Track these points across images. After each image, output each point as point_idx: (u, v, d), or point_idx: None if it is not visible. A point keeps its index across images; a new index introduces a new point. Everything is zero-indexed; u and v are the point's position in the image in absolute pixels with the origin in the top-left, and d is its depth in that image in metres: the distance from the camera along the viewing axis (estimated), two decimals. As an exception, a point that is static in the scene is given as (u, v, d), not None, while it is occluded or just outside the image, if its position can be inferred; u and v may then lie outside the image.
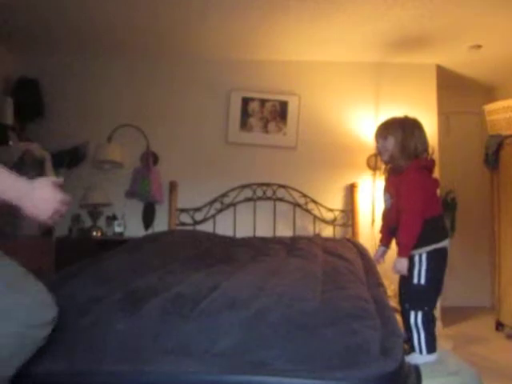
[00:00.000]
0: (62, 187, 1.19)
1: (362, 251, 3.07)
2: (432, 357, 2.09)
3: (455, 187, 4.56)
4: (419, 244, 2.09)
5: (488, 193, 4.24)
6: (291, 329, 1.31)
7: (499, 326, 3.79)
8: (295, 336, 1.29)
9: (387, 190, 2.29)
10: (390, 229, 2.28)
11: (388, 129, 2.22)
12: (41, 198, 1.11)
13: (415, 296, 2.13)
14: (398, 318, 2.08)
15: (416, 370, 1.30)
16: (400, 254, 2.08)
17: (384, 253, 2.44)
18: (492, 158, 3.86)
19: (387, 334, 1.34)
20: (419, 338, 2.08)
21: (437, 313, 3.92)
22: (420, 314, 2.08)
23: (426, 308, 2.10)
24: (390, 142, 2.18)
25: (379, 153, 2.30)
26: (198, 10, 3.12)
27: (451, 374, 2.09)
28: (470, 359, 2.62)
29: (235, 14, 3.15)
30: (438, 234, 2.17)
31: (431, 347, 2.09)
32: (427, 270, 2.10)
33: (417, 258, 2.11)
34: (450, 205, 4.56)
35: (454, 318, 4.12)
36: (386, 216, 2.34)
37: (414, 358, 2.04)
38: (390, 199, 2.24)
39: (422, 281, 2.10)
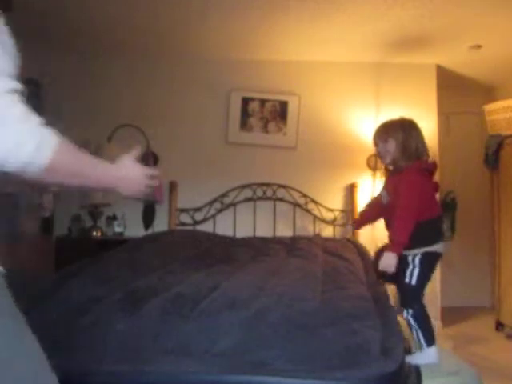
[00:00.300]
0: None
1: (361, 251, 3.07)
2: (432, 350, 2.12)
3: (455, 187, 4.56)
4: (414, 245, 2.10)
5: (488, 193, 4.24)
6: (291, 329, 1.31)
7: (499, 325, 3.79)
8: (295, 336, 1.29)
9: (385, 187, 2.31)
10: (385, 222, 2.35)
11: (388, 131, 2.23)
12: (131, 177, 1.15)
13: (406, 294, 2.17)
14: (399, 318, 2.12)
15: (416, 370, 1.30)
16: (392, 249, 2.08)
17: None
18: (492, 157, 3.86)
19: (387, 334, 1.34)
20: (417, 333, 2.12)
21: (437, 313, 3.93)
22: (411, 312, 2.12)
23: (415, 306, 2.13)
24: (391, 145, 2.20)
25: (380, 156, 2.30)
26: (198, 10, 3.12)
27: (451, 373, 2.10)
28: (470, 359, 2.62)
29: (235, 14, 3.15)
30: (434, 236, 2.20)
31: (429, 340, 2.12)
32: (419, 271, 2.13)
33: (410, 259, 2.14)
34: (449, 205, 4.56)
35: (454, 317, 4.12)
36: (382, 212, 2.38)
37: (415, 359, 2.05)
38: (388, 197, 2.25)
39: (413, 281, 2.13)
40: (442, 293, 3.98)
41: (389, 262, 2.07)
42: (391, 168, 2.32)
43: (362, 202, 3.89)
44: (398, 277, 2.17)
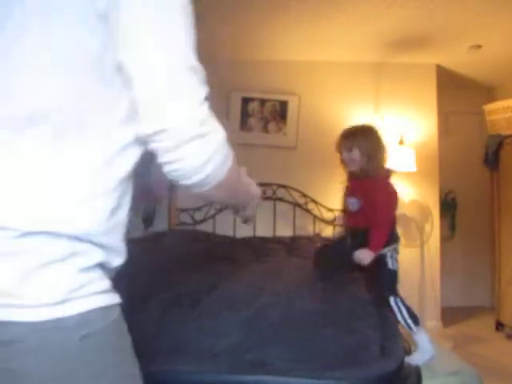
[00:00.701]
0: None
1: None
2: (422, 332, 2.18)
3: (455, 187, 4.57)
4: (389, 243, 2.25)
5: (488, 193, 4.24)
6: (291, 328, 1.31)
7: (499, 325, 3.79)
8: (295, 336, 1.29)
9: (353, 193, 2.34)
10: (355, 230, 2.37)
11: (351, 140, 2.27)
12: (257, 196, 1.04)
13: (391, 281, 2.26)
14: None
15: (416, 370, 1.30)
16: (373, 249, 2.19)
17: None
18: (492, 158, 3.87)
19: (387, 334, 1.34)
20: (403, 317, 2.17)
21: (437, 313, 3.93)
22: (398, 298, 2.22)
23: (398, 291, 2.25)
24: (356, 153, 2.24)
25: (345, 163, 2.34)
26: (198, 10, 3.12)
27: (451, 373, 2.11)
28: (470, 359, 2.62)
29: (235, 14, 3.15)
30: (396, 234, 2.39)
31: (416, 320, 2.21)
32: (396, 261, 2.30)
33: (389, 255, 2.27)
34: (449, 205, 4.57)
35: (454, 318, 4.12)
36: (351, 218, 2.41)
37: (414, 359, 2.06)
38: (358, 203, 2.28)
39: (395, 267, 2.28)
40: (442, 293, 3.98)
41: (366, 257, 2.17)
42: (352, 172, 2.37)
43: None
44: (375, 276, 2.26)
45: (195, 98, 0.70)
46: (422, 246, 3.80)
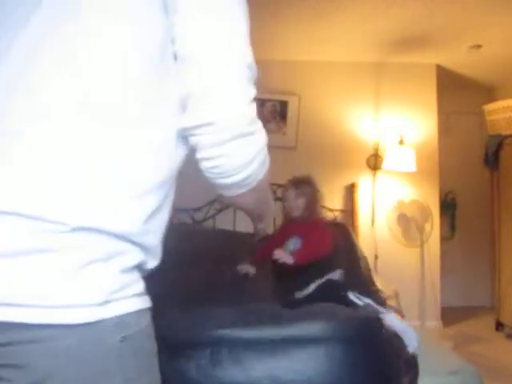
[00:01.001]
0: None
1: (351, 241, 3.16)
2: (388, 313, 2.19)
3: (455, 187, 4.57)
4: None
5: (488, 193, 4.25)
6: (285, 307, 1.35)
7: (499, 325, 3.79)
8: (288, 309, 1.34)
9: (294, 234, 2.48)
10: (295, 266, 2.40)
11: (298, 190, 2.53)
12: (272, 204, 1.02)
13: (341, 280, 2.30)
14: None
15: (414, 359, 1.31)
16: (296, 256, 2.27)
17: None
18: (492, 158, 3.87)
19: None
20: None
21: (437, 313, 3.93)
22: (356, 292, 2.20)
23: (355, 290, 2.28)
24: (302, 202, 2.51)
25: (289, 209, 2.54)
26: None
27: (451, 373, 2.10)
28: (470, 359, 2.60)
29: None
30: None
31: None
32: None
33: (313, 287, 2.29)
34: (449, 205, 4.57)
35: (454, 317, 4.12)
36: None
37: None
38: (300, 242, 2.44)
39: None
40: (442, 293, 3.97)
41: (284, 258, 2.25)
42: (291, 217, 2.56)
43: (362, 202, 3.90)
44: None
45: (247, 96, 0.70)
46: (421, 245, 3.79)
